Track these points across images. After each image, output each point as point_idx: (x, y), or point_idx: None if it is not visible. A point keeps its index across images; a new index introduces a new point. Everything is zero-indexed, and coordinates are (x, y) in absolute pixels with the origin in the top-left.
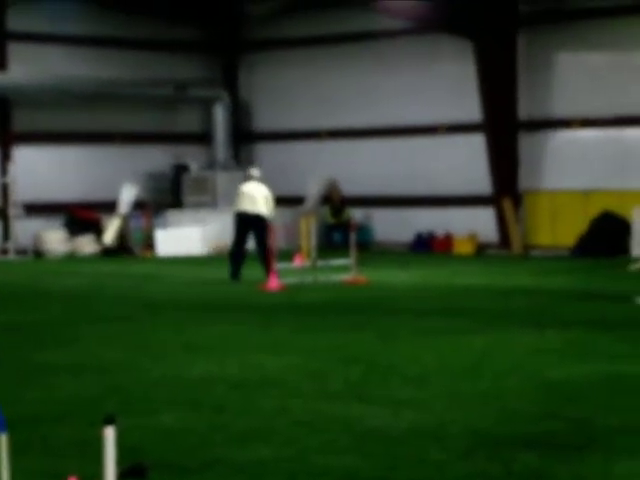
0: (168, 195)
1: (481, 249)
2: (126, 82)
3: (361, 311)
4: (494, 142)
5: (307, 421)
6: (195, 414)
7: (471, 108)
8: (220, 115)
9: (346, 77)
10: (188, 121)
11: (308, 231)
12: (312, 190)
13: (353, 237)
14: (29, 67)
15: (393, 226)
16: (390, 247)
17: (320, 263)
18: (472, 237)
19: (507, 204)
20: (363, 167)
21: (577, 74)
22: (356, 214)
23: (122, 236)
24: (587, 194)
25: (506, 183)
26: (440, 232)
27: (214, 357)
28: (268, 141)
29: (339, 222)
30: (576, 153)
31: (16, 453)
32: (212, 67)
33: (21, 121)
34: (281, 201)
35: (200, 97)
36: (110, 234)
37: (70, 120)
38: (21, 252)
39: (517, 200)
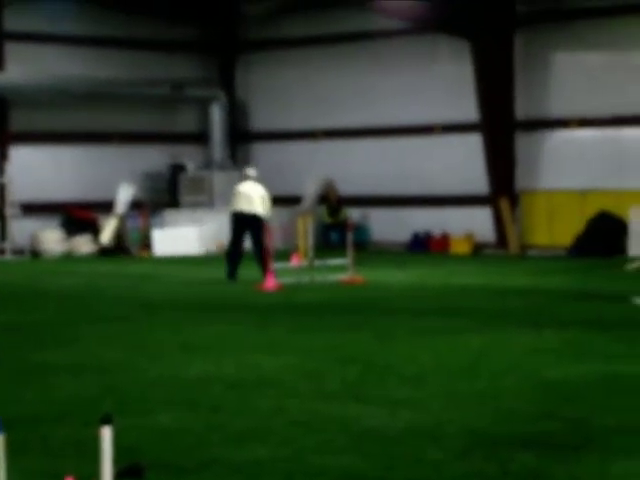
0: (165, 195)
1: (478, 249)
2: (123, 82)
3: (358, 311)
4: (491, 142)
5: (304, 421)
6: (192, 414)
7: (468, 108)
8: (217, 115)
9: (343, 77)
10: (185, 121)
11: (305, 231)
12: (309, 190)
13: (350, 237)
14: (26, 67)
15: (390, 226)
16: (387, 247)
17: (317, 263)
18: (469, 237)
19: (504, 204)
20: (360, 167)
21: (574, 74)
22: (353, 214)
23: (119, 236)
24: (584, 194)
25: (503, 183)
26: (437, 232)
27: (211, 357)
28: (265, 141)
29: (336, 222)
30: (573, 153)
31: (14, 453)
32: (209, 67)
33: (18, 121)
34: (278, 201)
35: (197, 97)
36: (107, 234)
37: (67, 120)
38: (18, 252)
39: (514, 200)
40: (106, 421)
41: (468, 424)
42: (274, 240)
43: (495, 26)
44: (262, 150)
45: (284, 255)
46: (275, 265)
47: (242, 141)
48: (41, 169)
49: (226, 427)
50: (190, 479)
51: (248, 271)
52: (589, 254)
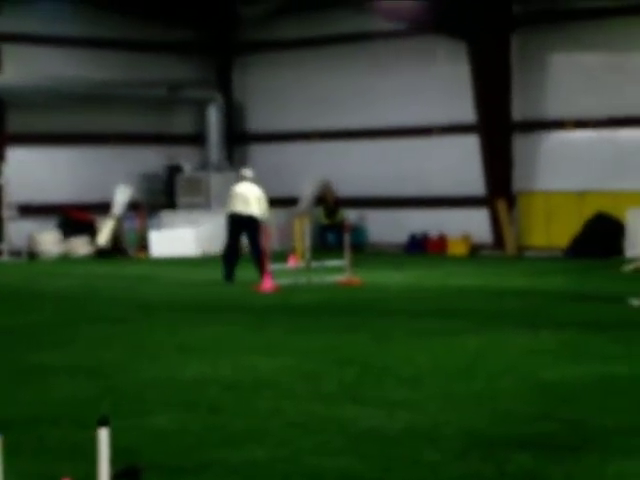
0: (162, 196)
1: (475, 250)
2: (120, 83)
3: (355, 312)
4: (488, 143)
5: (301, 422)
6: (189, 415)
7: (465, 109)
8: (214, 116)
9: (339, 78)
10: (182, 122)
11: (302, 232)
12: (306, 191)
13: (347, 238)
14: (23, 68)
15: (387, 227)
16: (384, 248)
17: (314, 264)
18: (466, 238)
19: (501, 205)
20: (357, 168)
21: (571, 75)
22: (350, 215)
23: (116, 237)
24: (581, 195)
25: (500, 184)
26: (434, 233)
27: (208, 358)
28: (262, 142)
29: (333, 223)
30: (570, 154)
31: (10, 454)
32: (206, 68)
33: (15, 122)
34: (275, 202)
35: (194, 98)
36: (104, 235)
37: (64, 121)
38: (15, 253)
39: (511, 201)
40: (103, 422)
41: (465, 425)
42: (271, 241)
43: (492, 27)
44: (259, 151)
45: (281, 256)
46: (272, 266)
47: (239, 142)
48: (38, 170)
49: (223, 428)
50: None
51: (245, 272)
52: (586, 255)
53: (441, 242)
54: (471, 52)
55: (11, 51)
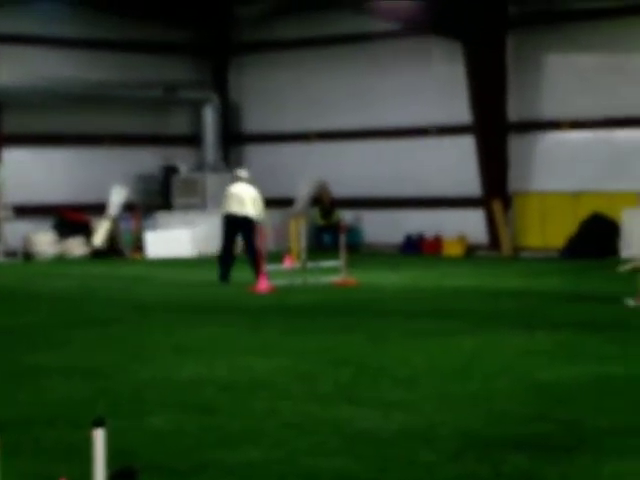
0: (158, 197)
1: (471, 251)
2: (116, 84)
3: (351, 313)
4: (484, 144)
5: (297, 423)
6: (185, 416)
7: (461, 110)
8: (209, 117)
9: (335, 79)
10: (178, 123)
11: (298, 233)
12: (302, 192)
13: (343, 239)
14: (19, 69)
15: (383, 228)
16: (380, 249)
17: (310, 265)
18: (462, 239)
19: (497, 206)
20: (353, 169)
21: (567, 76)
22: (346, 216)
23: (112, 238)
24: (576, 196)
25: (496, 185)
26: (430, 234)
27: (203, 359)
28: (258, 143)
29: (329, 224)
30: (565, 155)
31: (6, 455)
32: (202, 69)
33: (11, 123)
34: (271, 203)
35: (190, 99)
36: (100, 236)
37: (60, 122)
38: (10, 254)
39: (507, 202)
40: (98, 423)
41: (461, 426)
42: (267, 242)
43: (488, 28)
44: (255, 152)
45: (277, 257)
46: (268, 267)
47: (235, 143)
48: (34, 171)
49: (219, 429)
50: None
51: (240, 273)
52: (582, 256)
53: (437, 243)
54: (467, 53)
55: (7, 52)
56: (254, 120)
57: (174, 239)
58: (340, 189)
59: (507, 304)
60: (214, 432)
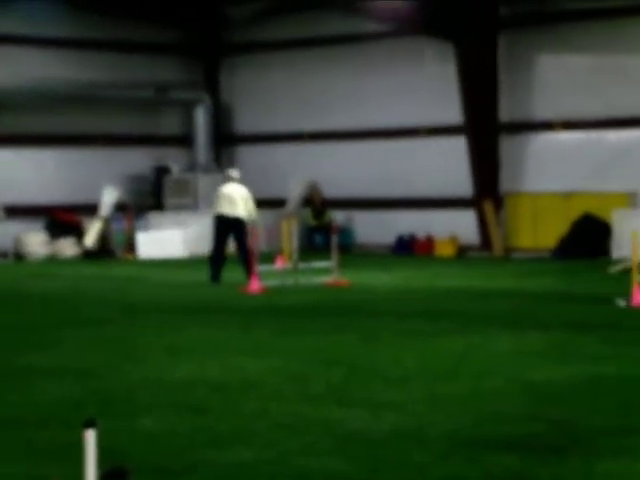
0: (149, 197)
1: (462, 251)
2: (107, 84)
3: (342, 313)
4: (475, 144)
5: (288, 423)
6: (176, 417)
7: (452, 110)
8: (201, 117)
9: (327, 79)
10: (169, 123)
11: (289, 233)
12: (293, 192)
13: (334, 239)
14: (8, 69)
15: (374, 228)
16: (371, 249)
17: (301, 265)
18: (453, 239)
19: (488, 206)
20: (345, 169)
21: (558, 76)
22: (337, 216)
23: (103, 239)
24: (568, 196)
25: (487, 185)
26: (421, 234)
27: (195, 360)
28: (249, 143)
29: (320, 224)
30: (557, 155)
31: None
32: (193, 69)
33: (1, 123)
34: (262, 203)
35: (181, 99)
36: (91, 237)
37: (50, 122)
38: (2, 255)
39: (498, 202)
40: (90, 424)
41: (452, 426)
42: (259, 242)
43: (479, 28)
44: (247, 153)
45: (268, 257)
46: (259, 267)
47: (226, 144)
48: (24, 172)
49: (211, 430)
50: None
51: (232, 274)
52: (573, 256)
53: (428, 243)
54: (459, 53)
55: None
56: (246, 121)
57: (166, 240)
58: (332, 189)
59: (498, 304)
60: (206, 432)
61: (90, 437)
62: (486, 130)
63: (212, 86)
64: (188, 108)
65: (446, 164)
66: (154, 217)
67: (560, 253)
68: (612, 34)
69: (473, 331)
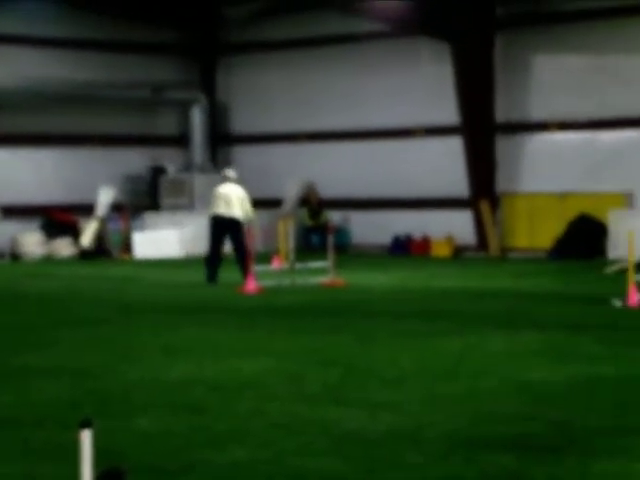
0: (145, 198)
1: (458, 252)
2: (103, 84)
3: (339, 314)
4: (471, 145)
5: (284, 423)
6: (173, 417)
7: (448, 110)
8: (197, 117)
9: (324, 80)
10: (165, 123)
11: (286, 233)
12: (290, 193)
13: (331, 240)
14: (5, 69)
15: (371, 229)
16: (368, 250)
17: (298, 265)
18: (449, 240)
19: (484, 207)
20: (341, 170)
21: (554, 77)
22: (334, 217)
23: (100, 239)
24: (564, 197)
25: (483, 186)
26: (417, 235)
27: (192, 360)
28: (246, 144)
29: (317, 225)
30: (553, 156)
31: None
32: (190, 69)
33: None
34: (259, 203)
35: (177, 99)
36: (87, 237)
37: (47, 122)
38: None
39: (494, 203)
40: (86, 424)
41: (448, 427)
42: (255, 242)
43: (475, 29)
44: (243, 153)
45: (265, 258)
46: (256, 268)
47: (223, 144)
48: (21, 172)
49: (207, 429)
50: None
51: (228, 274)
52: (569, 256)
53: (425, 244)
54: (455, 53)
55: None
56: (242, 121)
57: (162, 240)
58: (328, 190)
59: (495, 305)
60: (202, 432)
61: (86, 437)
62: (482, 130)
63: (208, 86)
64: (184, 108)
65: (442, 164)
66: (150, 217)
67: (556, 253)
68: (608, 35)
69: (469, 331)
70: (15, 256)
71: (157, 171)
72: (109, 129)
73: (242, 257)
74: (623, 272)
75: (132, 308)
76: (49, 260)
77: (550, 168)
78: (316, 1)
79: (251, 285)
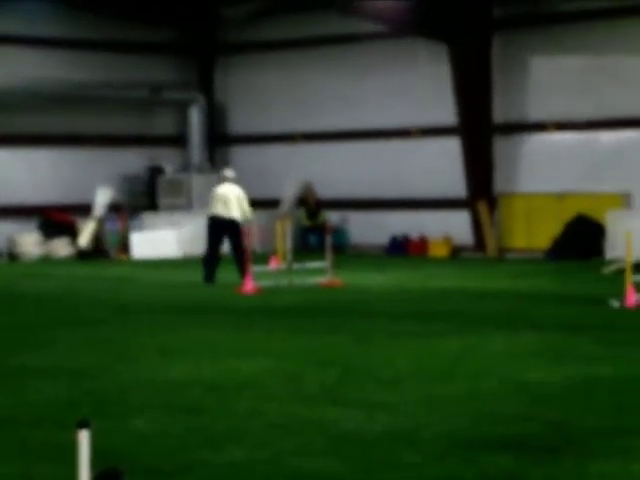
0: (143, 198)
1: (456, 252)
2: (101, 84)
3: (336, 314)
4: (469, 145)
5: (282, 424)
6: (170, 417)
7: (446, 111)
8: (195, 118)
9: (322, 80)
10: (163, 124)
11: (284, 234)
12: (288, 193)
13: (328, 240)
14: (2, 69)
15: (368, 229)
16: (365, 250)
17: (296, 266)
18: (447, 240)
19: (482, 207)
20: (338, 170)
21: (552, 77)
22: (331, 217)
23: (97, 239)
24: (561, 197)
25: (481, 186)
26: (415, 235)
27: (189, 360)
28: (243, 144)
29: (314, 225)
30: (551, 156)
31: None
32: (187, 69)
33: None
34: (256, 204)
35: (175, 100)
36: (85, 237)
37: (44, 123)
38: None
39: (492, 203)
40: (83, 425)
41: (446, 427)
42: (253, 242)
43: (473, 29)
44: (241, 153)
45: (263, 258)
46: (254, 268)
47: (221, 144)
48: (18, 172)
49: (205, 430)
50: None
51: (226, 274)
52: (567, 257)
53: (422, 244)
54: (452, 54)
55: None
56: (240, 121)
57: (160, 240)
58: (326, 190)
59: (492, 305)
60: (200, 433)
61: (83, 437)
62: (480, 131)
63: (206, 86)
64: (182, 108)
65: (440, 165)
66: (148, 217)
67: (554, 254)
68: (605, 35)
69: (467, 332)
70: (12, 256)
71: (155, 171)
72: (107, 129)
73: (240, 257)
74: (621, 273)
75: (130, 308)
76: (46, 260)
77: (548, 169)
78: (314, 2)
79: (249, 285)
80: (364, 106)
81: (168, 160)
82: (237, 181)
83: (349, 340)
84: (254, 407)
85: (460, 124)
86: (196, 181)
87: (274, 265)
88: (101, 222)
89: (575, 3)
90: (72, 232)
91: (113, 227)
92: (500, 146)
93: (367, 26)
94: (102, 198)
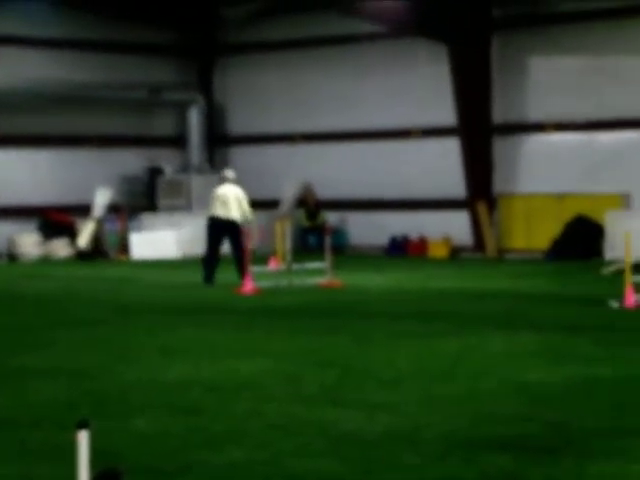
0: (142, 198)
1: (455, 253)
2: (100, 85)
3: (336, 314)
4: (468, 146)
5: (281, 424)
6: (170, 417)
7: (445, 112)
8: (195, 118)
9: (321, 80)
10: (163, 124)
11: (283, 234)
12: (287, 193)
13: (328, 240)
14: (2, 70)
15: (368, 229)
16: (365, 250)
17: (295, 266)
18: (446, 241)
19: (481, 208)
20: (338, 170)
21: (551, 78)
22: (331, 217)
23: (97, 239)
24: (561, 198)
25: (480, 187)
26: (414, 236)
27: (189, 360)
28: (243, 144)
29: (314, 225)
30: (550, 157)
31: None
32: (187, 70)
33: None
34: (256, 204)
35: (175, 100)
36: (84, 237)
37: (44, 123)
38: None
39: (491, 204)
40: (83, 425)
41: (446, 427)
42: (252, 243)
43: (472, 30)
44: (240, 154)
45: (262, 259)
46: (253, 269)
47: (220, 145)
48: (18, 172)
49: (205, 430)
50: None
51: (226, 275)
52: (566, 257)
53: (421, 244)
54: (452, 55)
55: None
56: (239, 121)
57: (159, 240)
58: (325, 191)
59: (492, 306)
60: (199, 433)
61: (83, 438)
62: (479, 131)
63: (206, 87)
64: (182, 109)
65: (439, 165)
66: (147, 218)
67: (553, 254)
68: (604, 36)
69: (467, 332)
70: (12, 257)
71: (154, 172)
72: (106, 130)
73: (239, 258)
74: (620, 273)
75: (129, 309)
76: (46, 261)
77: (547, 169)
78: (314, 2)
79: (248, 286)
80: (364, 106)
81: (168, 161)
82: (237, 182)
83: (349, 340)
84: (253, 407)
85: (460, 124)
86: (195, 182)
87: (274, 266)
88: (100, 223)
89: (574, 3)
90: (72, 233)
91: (112, 228)
92: (499, 146)
93: (367, 26)
94: (102, 199)
